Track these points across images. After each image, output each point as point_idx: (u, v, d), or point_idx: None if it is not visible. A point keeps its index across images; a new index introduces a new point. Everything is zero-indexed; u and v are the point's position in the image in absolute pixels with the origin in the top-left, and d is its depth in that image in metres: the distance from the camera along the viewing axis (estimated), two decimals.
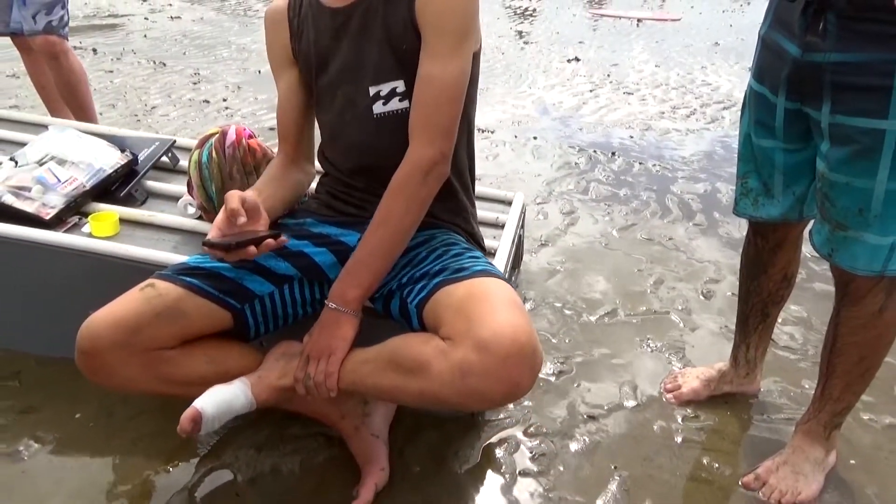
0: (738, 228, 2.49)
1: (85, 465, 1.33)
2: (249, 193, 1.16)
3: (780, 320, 1.82)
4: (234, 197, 1.12)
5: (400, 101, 1.24)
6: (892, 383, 1.69)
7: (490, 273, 1.16)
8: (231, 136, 1.52)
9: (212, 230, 1.13)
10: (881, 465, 1.43)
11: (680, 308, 1.97)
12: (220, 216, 1.13)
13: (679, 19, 7.45)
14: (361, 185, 1.33)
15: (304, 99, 1.35)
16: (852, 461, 1.43)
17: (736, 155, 1.40)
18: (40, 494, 1.26)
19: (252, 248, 1.10)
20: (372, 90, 1.24)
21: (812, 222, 1.27)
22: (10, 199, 1.54)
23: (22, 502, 1.25)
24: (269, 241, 1.12)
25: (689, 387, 1.58)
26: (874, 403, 1.60)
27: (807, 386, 1.64)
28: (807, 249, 2.19)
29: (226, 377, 1.20)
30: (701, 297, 2.04)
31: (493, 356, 0.98)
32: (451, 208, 1.35)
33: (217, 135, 1.54)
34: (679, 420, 1.52)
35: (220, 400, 1.14)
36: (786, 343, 1.82)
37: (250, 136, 1.55)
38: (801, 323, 1.92)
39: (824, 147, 1.14)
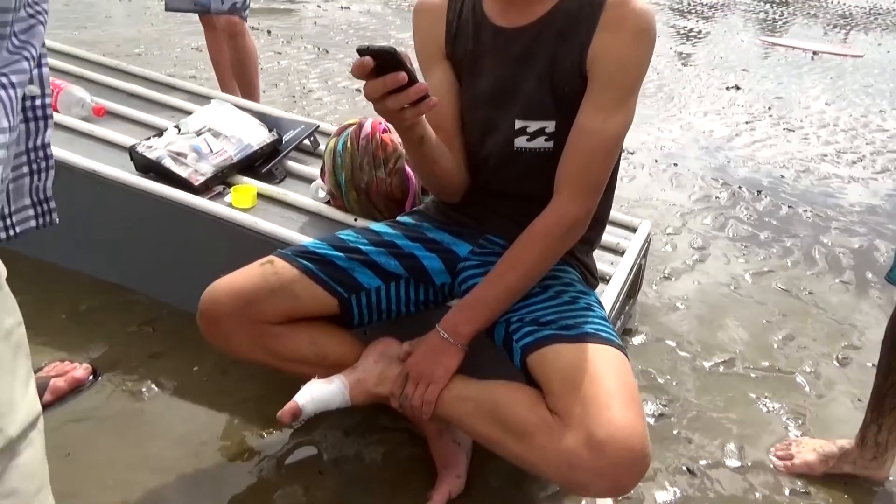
0: (893, 294, 2.23)
1: (194, 415, 1.44)
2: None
3: None
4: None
5: (546, 140, 1.21)
6: None
7: (602, 337, 1.12)
8: (366, 129, 1.57)
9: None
10: None
11: (808, 371, 1.80)
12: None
13: (861, 56, 6.82)
14: (482, 201, 1.32)
15: (458, 95, 1.28)
16: None
17: None
18: (150, 434, 1.38)
19: (402, 76, 0.96)
20: (518, 123, 1.21)
21: None
22: (168, 163, 1.69)
23: (132, 437, 1.37)
24: (431, 100, 1.00)
25: (802, 458, 1.43)
26: None
27: None
28: None
29: (324, 360, 1.25)
30: (835, 362, 1.85)
31: (605, 459, 0.97)
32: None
33: (354, 126, 1.60)
34: (786, 493, 1.39)
35: (319, 397, 1.19)
36: None
37: (384, 131, 1.60)
38: None
39: None
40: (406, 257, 1.30)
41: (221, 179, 1.74)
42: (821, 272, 2.37)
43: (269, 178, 1.81)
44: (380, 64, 0.96)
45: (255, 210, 1.67)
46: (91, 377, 1.51)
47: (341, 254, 1.27)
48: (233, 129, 1.80)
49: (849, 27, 8.88)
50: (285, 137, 1.90)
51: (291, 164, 1.90)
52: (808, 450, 1.45)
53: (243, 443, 1.38)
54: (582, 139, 1.14)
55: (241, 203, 1.66)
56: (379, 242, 1.31)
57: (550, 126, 1.19)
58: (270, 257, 1.27)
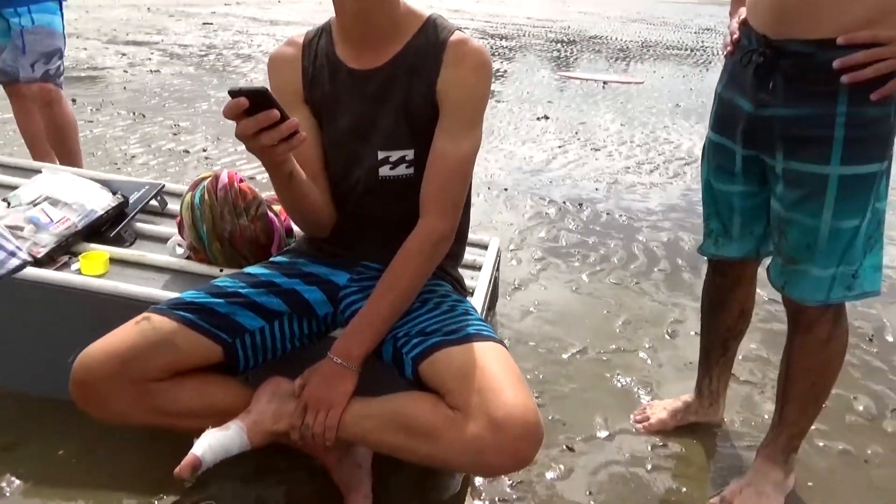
0: (699, 274, 2.62)
1: (70, 498, 1.35)
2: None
3: (740, 357, 1.93)
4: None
5: (407, 167, 1.32)
6: (843, 413, 1.79)
7: (483, 335, 1.23)
8: (224, 179, 1.60)
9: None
10: (836, 488, 1.52)
11: (647, 346, 2.07)
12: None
13: (642, 83, 7.82)
14: (353, 231, 1.40)
15: (319, 135, 1.36)
16: (809, 484, 1.52)
17: (696, 206, 1.52)
18: None
19: (275, 112, 1.03)
20: (381, 154, 1.31)
21: (768, 260, 1.38)
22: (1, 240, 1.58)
23: None
24: (301, 135, 1.07)
25: (657, 417, 1.66)
26: (828, 431, 1.70)
27: (766, 416, 1.73)
28: (765, 293, 2.33)
29: (213, 410, 1.25)
30: (667, 335, 2.14)
31: (506, 436, 1.07)
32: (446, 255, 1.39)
33: (210, 178, 1.62)
34: (649, 449, 1.60)
35: (217, 445, 1.18)
36: (746, 378, 1.93)
37: (241, 181, 1.64)
38: (759, 360, 2.03)
39: (779, 189, 1.26)
40: (287, 293, 1.34)
41: (66, 249, 1.66)
42: (642, 264, 2.72)
43: (118, 241, 1.75)
44: (252, 103, 1.03)
45: (109, 276, 1.60)
46: None
47: (220, 300, 1.29)
48: (73, 195, 1.72)
49: (628, 59, 10.13)
50: (131, 199, 1.85)
51: (141, 225, 1.85)
52: (660, 409, 1.68)
53: None
54: (439, 163, 1.27)
55: (91, 270, 1.59)
56: (257, 283, 1.34)
57: (410, 154, 1.31)
58: (146, 314, 1.25)
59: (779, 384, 1.41)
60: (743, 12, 1.30)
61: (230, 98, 1.03)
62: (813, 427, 1.53)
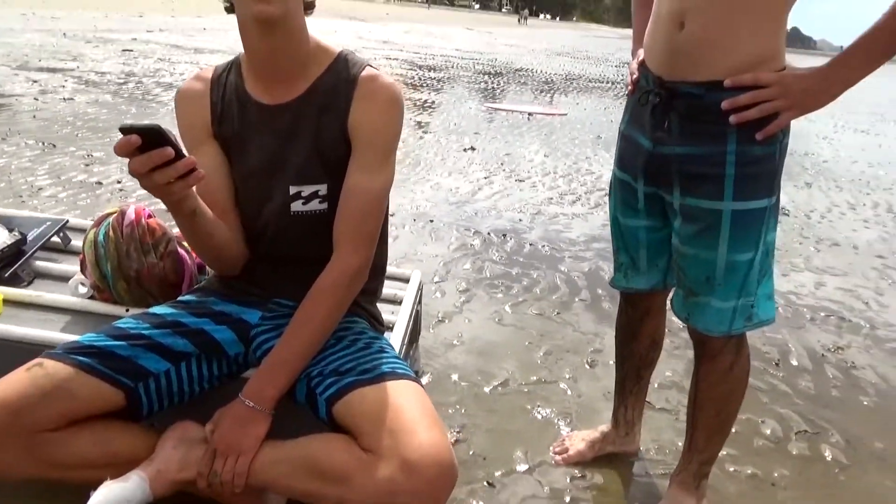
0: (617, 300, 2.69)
1: None
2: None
3: (655, 385, 1.99)
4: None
5: (320, 202, 1.30)
6: (751, 437, 1.87)
7: (398, 374, 1.21)
8: (130, 216, 1.54)
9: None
10: None
11: (567, 377, 2.10)
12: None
13: (566, 114, 8.09)
14: (266, 268, 1.37)
15: (229, 171, 1.33)
16: None
17: None
18: None
19: (169, 150, 1.00)
20: (293, 189, 1.29)
21: (673, 291, 1.43)
22: None
23: None
24: (199, 172, 1.05)
25: (575, 449, 1.68)
26: (737, 455, 1.77)
27: (679, 443, 1.76)
28: (679, 322, 2.41)
29: (114, 459, 1.18)
30: (587, 365, 2.18)
31: (420, 478, 1.05)
32: (360, 291, 1.36)
33: (115, 214, 1.55)
34: (568, 480, 1.61)
35: (115, 498, 1.12)
36: (662, 405, 1.98)
37: (149, 216, 1.58)
38: (673, 386, 2.10)
39: (677, 224, 1.32)
40: (194, 334, 1.29)
41: None
42: (563, 295, 2.77)
43: (14, 281, 1.65)
44: (145, 141, 1.00)
45: (2, 318, 1.51)
46: None
47: (122, 342, 1.23)
48: None
49: (553, 91, 10.47)
50: (29, 237, 1.75)
51: (41, 263, 1.75)
52: (578, 440, 1.70)
53: None
54: (352, 198, 1.26)
55: None
56: (162, 324, 1.28)
57: (323, 189, 1.30)
58: (38, 360, 1.17)
59: (688, 412, 1.46)
60: (641, 53, 1.37)
61: (121, 135, 1.00)
62: (723, 452, 1.58)
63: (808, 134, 8.72)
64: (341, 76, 1.29)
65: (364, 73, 1.29)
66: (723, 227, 1.25)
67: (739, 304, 1.29)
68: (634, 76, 1.38)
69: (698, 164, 1.25)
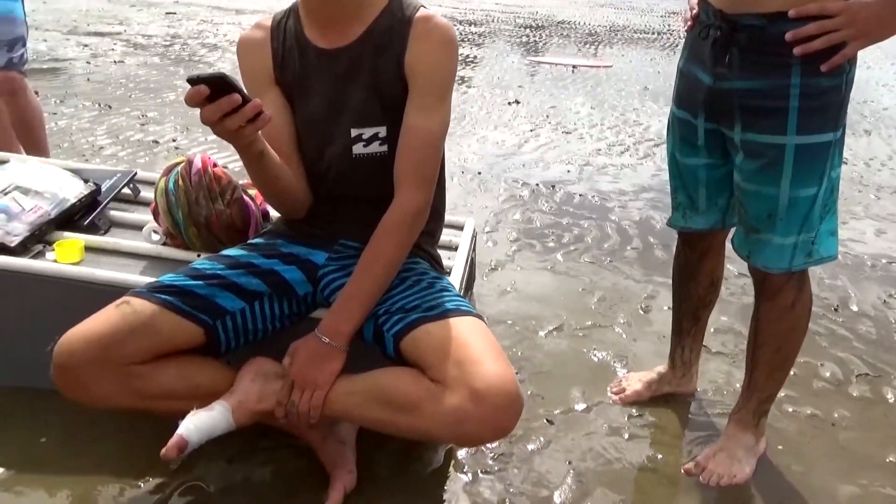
0: (671, 252, 2.67)
1: (55, 486, 1.34)
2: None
3: (711, 329, 1.99)
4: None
5: (380, 145, 1.33)
6: (810, 379, 1.86)
7: (462, 310, 1.25)
8: (197, 164, 1.59)
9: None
10: (805, 450, 1.58)
11: (622, 321, 2.11)
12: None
13: (611, 66, 7.88)
14: (329, 210, 1.41)
15: (292, 116, 1.37)
16: (780, 447, 1.58)
17: (666, 186, 1.55)
18: None
19: (236, 96, 1.05)
20: (354, 132, 1.32)
21: (733, 230, 1.43)
22: None
23: None
24: (266, 115, 1.09)
25: (632, 389, 1.70)
26: (796, 397, 1.77)
27: (737, 386, 1.78)
28: (735, 268, 2.39)
29: (197, 392, 1.26)
30: (640, 311, 2.19)
31: (487, 407, 1.10)
32: (421, 233, 1.40)
33: (183, 163, 1.61)
34: (625, 419, 1.64)
35: (203, 425, 1.19)
36: (718, 349, 1.98)
37: (215, 165, 1.63)
38: (729, 331, 2.09)
39: (738, 160, 1.30)
40: (266, 274, 1.35)
41: (39, 238, 1.64)
42: (614, 243, 2.76)
43: (92, 229, 1.74)
44: (213, 90, 1.04)
45: (84, 263, 1.59)
46: None
47: (200, 282, 1.29)
48: (44, 184, 1.70)
49: (597, 43, 10.20)
50: (103, 187, 1.83)
51: (114, 213, 1.84)
52: (635, 381, 1.73)
53: (120, 497, 1.32)
54: (411, 137, 1.29)
55: (66, 258, 1.58)
56: (236, 265, 1.34)
57: (382, 131, 1.33)
58: (125, 298, 1.25)
59: (748, 350, 1.46)
60: None
61: (190, 86, 1.04)
62: (781, 393, 1.59)
63: (867, 80, 8.34)
64: (396, 17, 1.30)
65: (419, 13, 1.29)
66: (786, 163, 1.23)
67: (800, 239, 1.28)
68: (694, 11, 1.35)
69: (761, 98, 1.23)
